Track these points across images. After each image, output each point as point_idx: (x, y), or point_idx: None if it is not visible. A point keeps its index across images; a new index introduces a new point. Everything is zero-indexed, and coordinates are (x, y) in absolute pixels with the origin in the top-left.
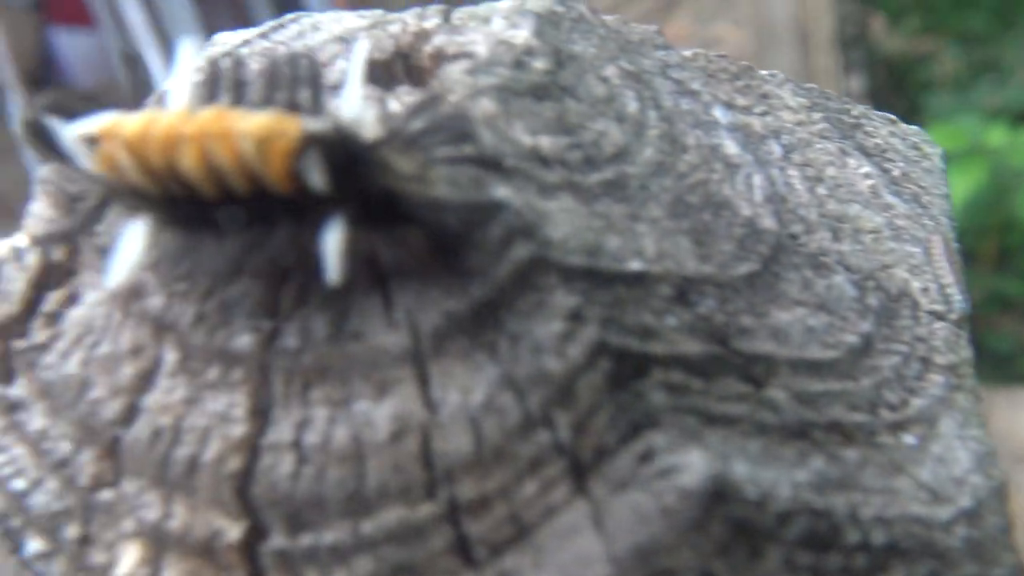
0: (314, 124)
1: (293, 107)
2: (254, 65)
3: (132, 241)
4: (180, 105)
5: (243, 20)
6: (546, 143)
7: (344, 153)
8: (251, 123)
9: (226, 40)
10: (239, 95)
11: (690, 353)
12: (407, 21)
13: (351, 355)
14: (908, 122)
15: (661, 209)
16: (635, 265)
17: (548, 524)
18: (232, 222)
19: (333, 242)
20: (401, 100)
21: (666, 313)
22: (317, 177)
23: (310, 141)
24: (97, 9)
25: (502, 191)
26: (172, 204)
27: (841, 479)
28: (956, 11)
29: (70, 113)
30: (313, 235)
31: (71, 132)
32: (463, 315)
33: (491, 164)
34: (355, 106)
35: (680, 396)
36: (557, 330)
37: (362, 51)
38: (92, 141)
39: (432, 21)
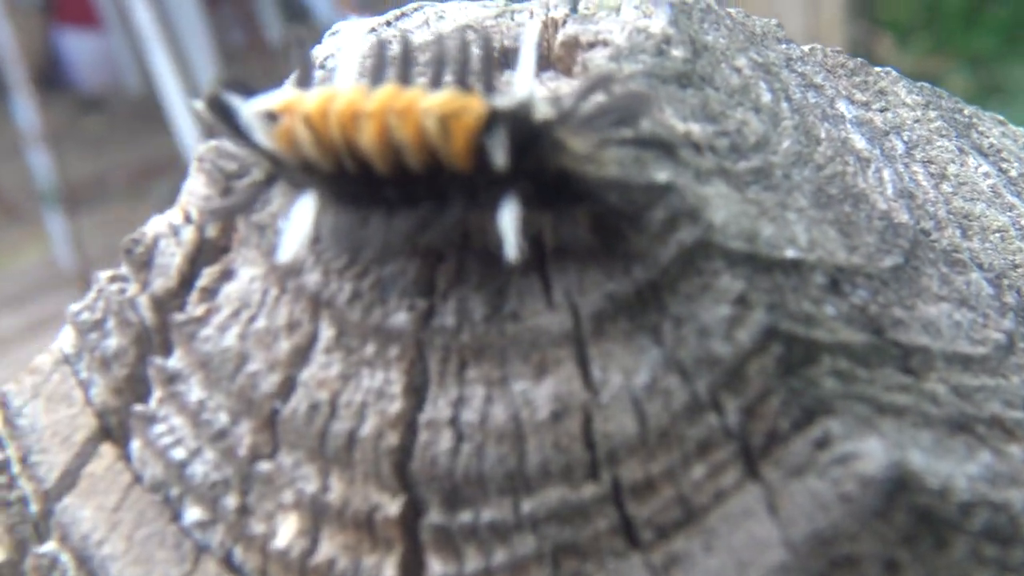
0: (499, 101)
1: (464, 86)
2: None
3: (302, 216)
4: (350, 82)
5: (250, 23)
6: (696, 129)
7: (525, 132)
8: (435, 100)
9: (351, 28)
10: (406, 73)
11: (853, 342)
12: (534, 10)
13: (509, 335)
14: None
15: (806, 199)
16: (791, 253)
17: (719, 508)
18: (404, 199)
19: (510, 221)
20: (546, 85)
21: (824, 302)
22: (500, 155)
23: (495, 119)
24: (104, 10)
25: (663, 174)
26: (343, 180)
27: (1011, 474)
28: (964, 32)
29: (248, 91)
30: (483, 213)
31: (252, 107)
32: (626, 297)
33: (662, 146)
34: (528, 87)
35: (849, 384)
36: (725, 314)
37: (533, 33)
38: (271, 117)
39: (560, 10)
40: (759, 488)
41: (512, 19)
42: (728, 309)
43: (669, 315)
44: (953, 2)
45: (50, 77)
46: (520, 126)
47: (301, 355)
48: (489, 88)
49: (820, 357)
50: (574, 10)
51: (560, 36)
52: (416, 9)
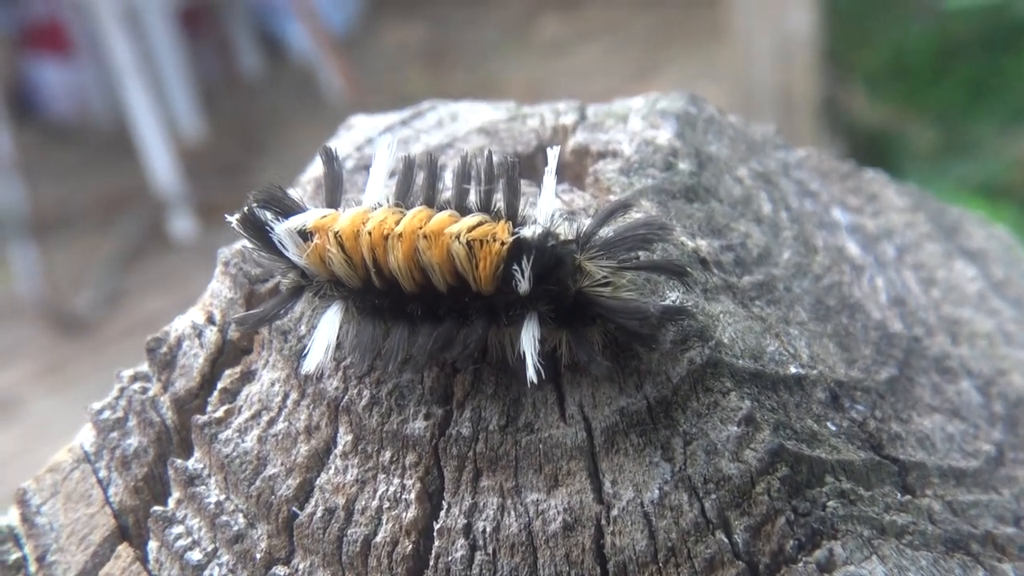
0: (526, 231)
1: (488, 206)
2: (437, 147)
3: (327, 328)
4: (378, 199)
5: (227, 56)
6: (704, 245)
7: (548, 258)
8: (464, 225)
9: (366, 125)
10: (433, 193)
11: (853, 460)
12: (545, 116)
13: (524, 446)
14: None
15: (806, 312)
16: (794, 369)
17: None
18: (427, 314)
19: (530, 342)
20: (560, 198)
21: (825, 418)
22: (524, 282)
23: (520, 246)
24: (78, 40)
25: (673, 295)
26: (370, 294)
27: None
28: (931, 85)
29: (282, 207)
30: (502, 330)
31: (286, 225)
32: (638, 413)
33: (675, 271)
34: (550, 212)
35: (851, 505)
36: (734, 433)
37: (554, 159)
38: (303, 235)
39: (570, 117)
40: None
41: (524, 123)
42: (736, 428)
43: (679, 432)
44: (921, 57)
45: (21, 105)
46: (543, 253)
47: (319, 459)
48: (512, 211)
49: (824, 477)
50: (583, 117)
51: (571, 144)
52: (430, 109)
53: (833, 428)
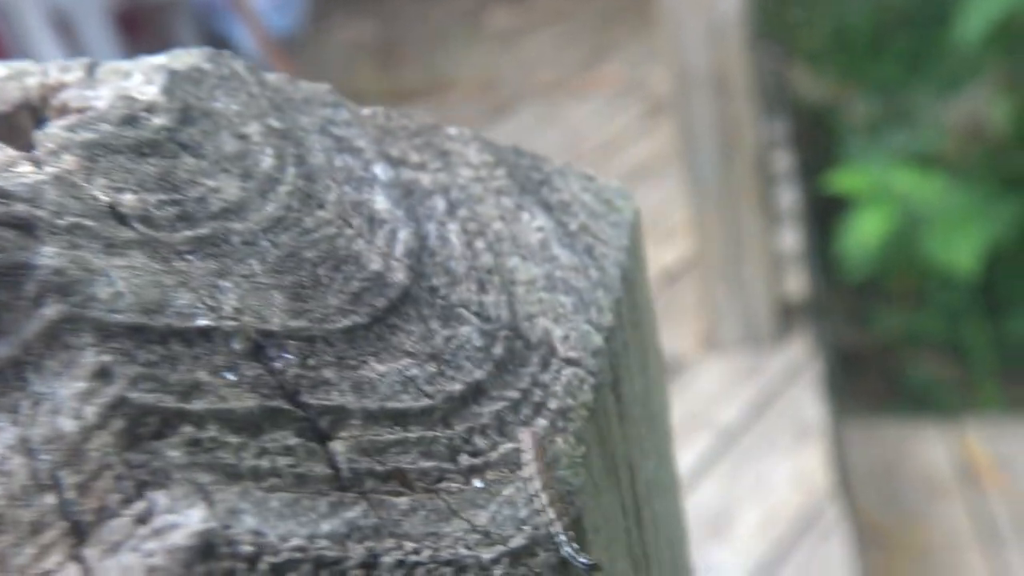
0: None
1: None
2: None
3: None
4: None
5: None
6: (130, 200)
7: None
8: None
9: None
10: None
11: (237, 408)
12: (49, 73)
13: None
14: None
15: (262, 265)
16: (203, 321)
17: None
18: None
19: None
20: None
21: (228, 369)
22: None
23: None
24: (5, 42)
25: (47, 250)
26: None
27: (376, 527)
28: (869, 59)
29: None
30: None
31: None
32: None
33: (23, 226)
34: None
35: (204, 453)
36: (79, 389)
37: None
38: None
39: (74, 74)
40: (78, 568)
41: (21, 81)
42: (84, 384)
43: (30, 393)
44: (859, 32)
45: None
46: None
47: None
48: None
49: (180, 428)
50: (91, 74)
51: (55, 101)
52: None
53: (232, 378)
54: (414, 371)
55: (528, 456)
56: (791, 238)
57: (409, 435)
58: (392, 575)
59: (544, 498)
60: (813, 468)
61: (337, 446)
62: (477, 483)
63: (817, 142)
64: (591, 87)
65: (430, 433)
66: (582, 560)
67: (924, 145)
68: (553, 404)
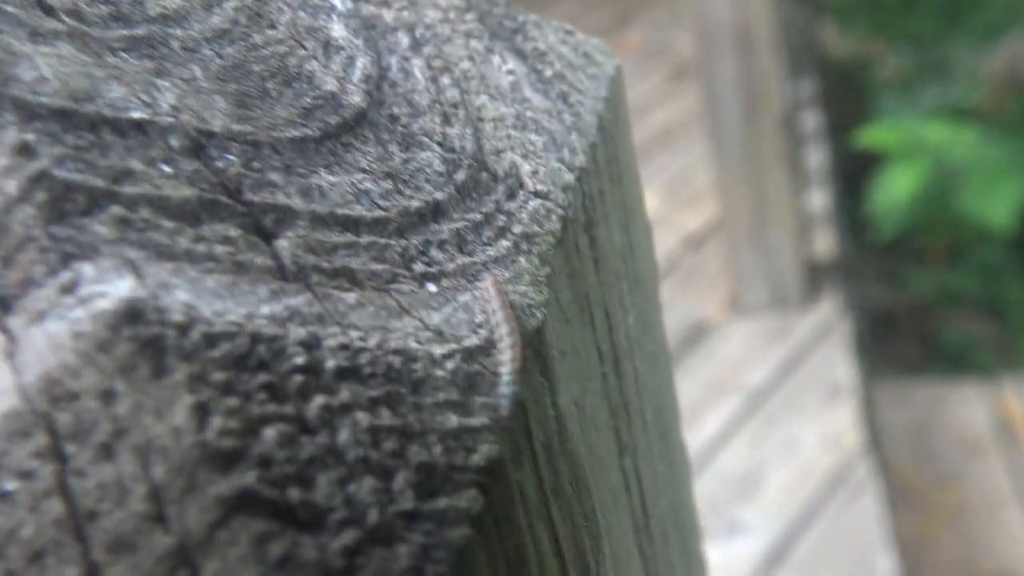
0: None
1: None
2: None
3: None
4: None
5: None
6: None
7: None
8: None
9: None
10: None
11: (173, 196)
12: None
13: None
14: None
15: (204, 71)
16: (137, 114)
17: None
18: None
19: None
20: None
21: (164, 161)
22: None
23: None
24: None
25: None
26: None
27: (319, 315)
28: (903, 13)
29: None
30: None
31: None
32: None
33: None
34: None
35: (135, 232)
36: (0, 165)
37: None
38: None
39: None
40: (3, 338)
41: None
42: (5, 160)
43: None
44: None
45: None
46: None
47: None
48: None
49: (108, 207)
50: None
51: None
52: None
53: (168, 170)
54: (368, 185)
55: (489, 301)
56: (819, 198)
57: (360, 240)
58: (335, 357)
59: (504, 329)
60: (843, 429)
61: (282, 243)
62: (431, 287)
63: (846, 100)
64: (615, 52)
65: (383, 240)
66: (509, 388)
67: (958, 98)
68: (517, 229)
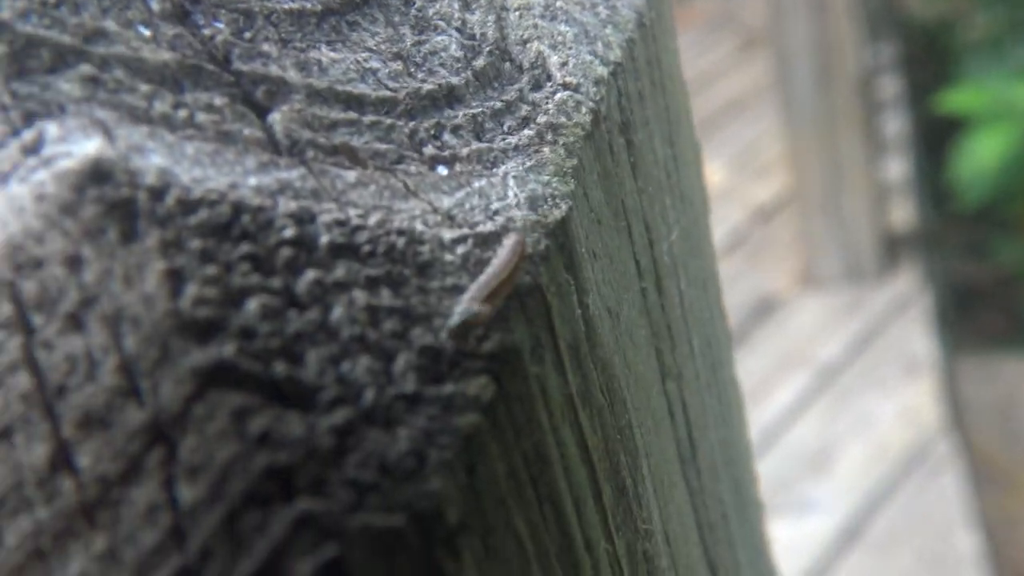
0: None
1: None
2: None
3: None
4: None
5: None
6: None
7: None
8: None
9: None
10: None
11: (150, 59)
12: None
13: None
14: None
15: None
16: None
17: None
18: None
19: None
20: None
21: (143, 24)
22: None
23: None
24: None
25: None
26: None
27: (314, 190)
28: None
29: None
30: None
31: None
32: None
33: None
34: None
35: (106, 92)
36: None
37: None
38: None
39: None
40: None
41: None
42: None
43: None
44: None
45: None
46: None
47: None
48: None
49: (77, 65)
50: None
51: None
52: None
53: (146, 32)
54: (375, 64)
55: (500, 257)
56: (898, 167)
57: (363, 118)
58: (329, 233)
59: (491, 271)
60: (922, 404)
61: (275, 115)
62: (442, 170)
63: (928, 64)
64: (684, 22)
65: (389, 120)
66: (455, 318)
67: None
68: (542, 119)
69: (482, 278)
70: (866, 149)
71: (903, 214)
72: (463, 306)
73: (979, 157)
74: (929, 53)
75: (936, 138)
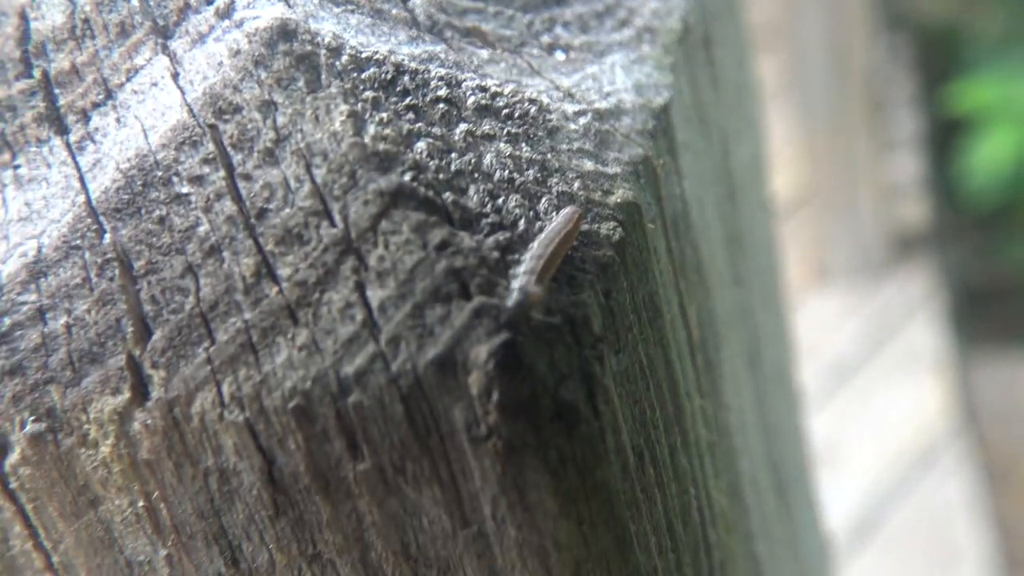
0: None
1: None
2: None
3: None
4: None
5: None
6: None
7: None
8: None
9: None
10: None
11: None
12: None
13: None
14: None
15: None
16: None
17: (130, 84)
18: None
19: None
20: None
21: None
22: None
23: None
24: None
25: None
26: None
27: (456, 62)
28: None
29: None
30: None
31: None
32: None
33: None
34: None
35: None
36: None
37: None
38: None
39: None
40: (166, 60)
41: None
42: None
43: None
44: None
45: None
46: None
47: None
48: None
49: None
50: None
51: None
52: None
53: None
54: None
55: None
56: (910, 165)
57: (487, 8)
58: (474, 95)
59: (543, 241)
60: (932, 402)
61: (415, 1)
62: (560, 55)
63: (940, 62)
64: None
65: (509, 11)
66: (527, 289)
67: None
68: (639, 22)
69: (536, 248)
70: (879, 147)
71: (916, 212)
72: (520, 282)
73: (991, 155)
74: (941, 50)
75: (951, 137)
